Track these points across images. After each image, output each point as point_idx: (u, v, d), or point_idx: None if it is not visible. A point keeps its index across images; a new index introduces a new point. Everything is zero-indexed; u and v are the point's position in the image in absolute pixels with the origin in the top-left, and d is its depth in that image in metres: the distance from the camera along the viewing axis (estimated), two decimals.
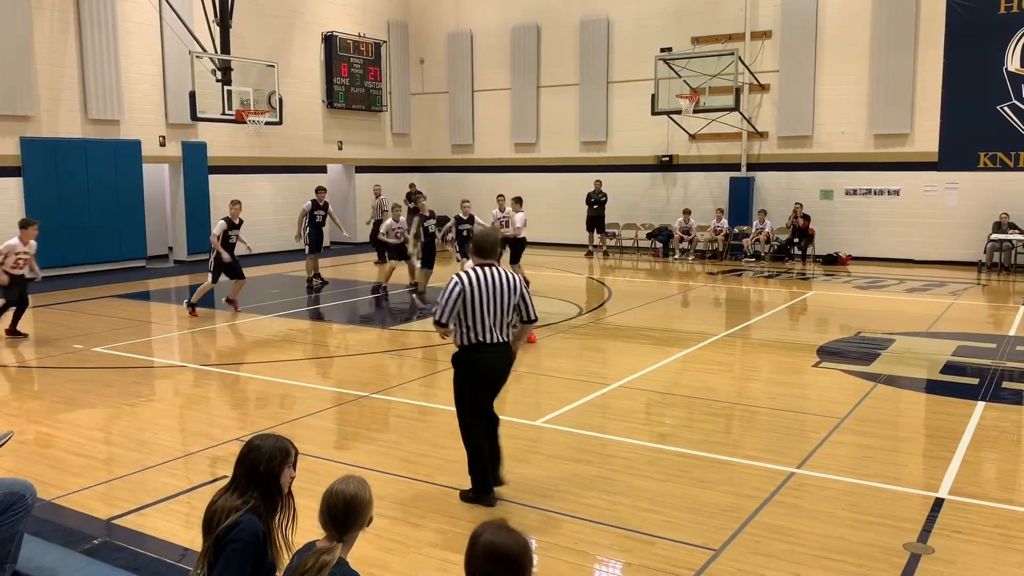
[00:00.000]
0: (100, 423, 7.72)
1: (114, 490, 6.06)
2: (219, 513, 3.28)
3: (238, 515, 3.25)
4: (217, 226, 13.17)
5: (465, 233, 14.97)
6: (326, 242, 17.47)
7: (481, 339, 5.60)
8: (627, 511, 5.58)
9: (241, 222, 13.39)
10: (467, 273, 5.63)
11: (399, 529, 5.31)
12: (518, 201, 15.74)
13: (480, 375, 5.70)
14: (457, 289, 5.55)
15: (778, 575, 4.72)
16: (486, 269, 5.65)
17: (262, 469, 3.33)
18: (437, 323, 5.65)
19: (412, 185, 24.28)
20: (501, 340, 5.68)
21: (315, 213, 16.43)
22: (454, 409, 5.85)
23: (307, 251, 16.47)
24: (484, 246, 5.74)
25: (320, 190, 16.90)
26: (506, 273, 5.72)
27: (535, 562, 2.69)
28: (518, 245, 15.74)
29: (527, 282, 6.04)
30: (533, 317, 5.84)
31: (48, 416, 7.94)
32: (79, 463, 6.60)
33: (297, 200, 22.11)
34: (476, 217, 15.51)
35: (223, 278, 13.20)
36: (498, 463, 5.92)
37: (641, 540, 5.17)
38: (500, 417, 6.03)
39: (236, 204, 13.40)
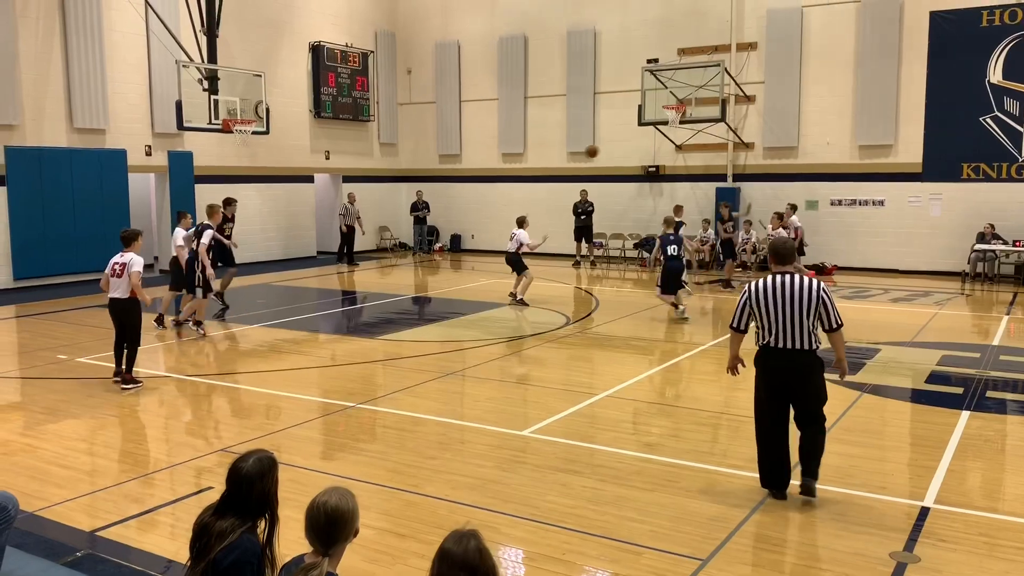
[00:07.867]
0: (84, 434, 7.65)
1: (98, 502, 6.00)
2: (213, 536, 3.21)
3: (234, 536, 3.20)
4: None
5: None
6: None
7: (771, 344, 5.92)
8: (614, 521, 5.58)
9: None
10: (758, 282, 5.95)
11: (385, 540, 5.29)
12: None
13: (765, 379, 6.03)
14: (744, 298, 6.00)
15: None
16: (781, 277, 5.93)
17: (256, 490, 3.29)
18: (732, 328, 6.16)
19: (419, 192, 24.48)
20: (792, 347, 5.92)
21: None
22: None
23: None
24: (782, 252, 6.10)
25: (219, 210, 12.86)
26: (802, 280, 5.89)
27: (490, 570, 2.68)
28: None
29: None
30: (836, 325, 6.01)
31: (31, 427, 7.87)
32: (62, 474, 6.54)
33: (284, 209, 22.15)
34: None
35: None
36: (807, 462, 5.99)
37: (628, 550, 5.16)
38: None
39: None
